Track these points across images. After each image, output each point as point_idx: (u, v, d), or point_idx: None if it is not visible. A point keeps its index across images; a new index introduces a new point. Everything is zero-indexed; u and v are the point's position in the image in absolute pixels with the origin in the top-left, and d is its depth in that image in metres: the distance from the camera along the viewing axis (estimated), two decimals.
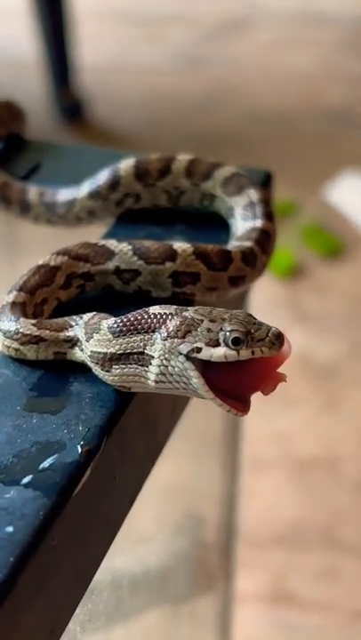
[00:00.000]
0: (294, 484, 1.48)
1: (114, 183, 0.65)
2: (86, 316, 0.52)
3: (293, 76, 2.83)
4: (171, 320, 0.48)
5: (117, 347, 0.49)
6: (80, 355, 0.52)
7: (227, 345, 0.47)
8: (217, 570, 0.93)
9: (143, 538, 0.76)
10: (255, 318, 0.49)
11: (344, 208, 2.16)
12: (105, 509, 0.49)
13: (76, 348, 0.52)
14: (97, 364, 0.50)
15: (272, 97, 2.71)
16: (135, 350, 0.49)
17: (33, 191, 0.68)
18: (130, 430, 0.51)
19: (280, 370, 0.49)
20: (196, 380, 0.47)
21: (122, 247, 0.57)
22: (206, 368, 0.47)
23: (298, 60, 2.94)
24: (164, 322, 0.49)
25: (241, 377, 0.48)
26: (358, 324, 1.83)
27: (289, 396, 1.62)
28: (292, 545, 1.38)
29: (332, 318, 1.84)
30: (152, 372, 0.48)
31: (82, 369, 0.52)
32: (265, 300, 1.78)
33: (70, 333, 0.52)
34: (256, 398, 0.49)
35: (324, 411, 1.62)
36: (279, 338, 0.47)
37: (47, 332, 0.52)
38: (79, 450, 0.46)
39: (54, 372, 0.52)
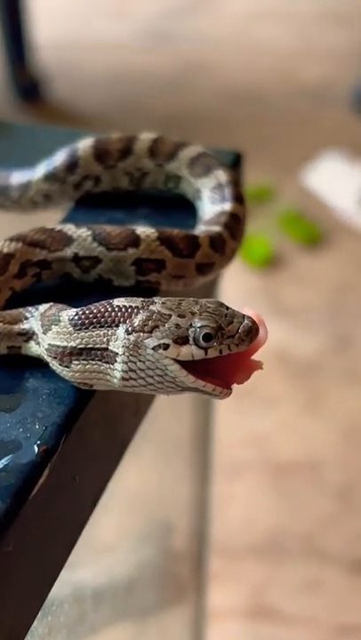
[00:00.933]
0: (273, 490, 1.49)
1: (72, 164, 0.65)
2: (42, 307, 0.52)
3: (268, 52, 2.84)
4: (136, 314, 0.48)
5: (78, 340, 0.49)
6: (36, 349, 0.52)
7: (196, 343, 0.47)
8: (187, 581, 0.93)
9: (107, 547, 0.76)
10: (227, 307, 0.49)
11: (323, 193, 2.17)
12: (65, 513, 0.49)
13: (32, 342, 0.52)
14: (55, 358, 0.50)
15: (245, 74, 2.71)
16: (98, 346, 0.49)
17: None
18: (90, 428, 0.51)
19: (255, 357, 0.49)
20: (171, 366, 0.47)
21: (81, 233, 0.57)
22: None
23: (273, 34, 2.95)
24: (130, 316, 0.48)
25: (213, 367, 0.48)
26: (340, 317, 1.83)
27: (267, 395, 1.62)
28: (270, 555, 1.39)
29: (313, 311, 1.85)
30: (118, 369, 0.48)
31: (38, 364, 0.52)
32: (239, 291, 1.79)
33: (25, 326, 0.52)
34: (231, 397, 0.49)
35: (305, 410, 1.63)
36: (250, 333, 0.48)
37: (1, 324, 0.52)
38: (36, 450, 0.46)
39: (8, 367, 0.52)
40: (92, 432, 0.51)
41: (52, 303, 0.52)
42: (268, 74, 2.71)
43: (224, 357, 0.48)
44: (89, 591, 0.65)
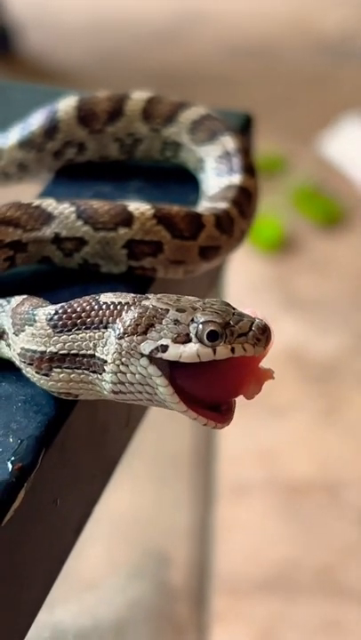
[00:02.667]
0: (284, 515, 1.49)
1: (50, 129, 0.64)
2: (14, 301, 0.52)
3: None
4: (127, 312, 0.48)
5: (59, 345, 0.49)
6: (6, 351, 0.51)
7: (200, 341, 0.46)
8: (187, 622, 0.93)
9: (92, 582, 0.76)
10: (234, 308, 0.48)
11: (343, 164, 2.16)
12: (43, 542, 0.49)
13: (2, 342, 0.52)
14: (30, 364, 0.49)
15: (253, 25, 2.71)
16: (83, 352, 0.48)
17: None
18: (73, 442, 0.50)
19: (263, 364, 0.49)
20: (163, 388, 0.47)
21: (62, 209, 0.57)
22: (175, 369, 0.47)
23: None
24: (119, 314, 0.48)
25: (218, 378, 0.48)
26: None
27: (277, 404, 1.62)
28: (282, 591, 1.39)
29: (332, 304, 1.84)
30: (107, 380, 0.48)
31: (12, 366, 0.51)
32: (246, 281, 1.78)
33: None
34: (236, 406, 0.49)
35: (322, 421, 1.63)
36: (265, 332, 0.47)
37: None
38: (9, 467, 0.45)
39: None
40: (75, 446, 0.51)
41: (25, 296, 0.52)
42: (278, 23, 2.71)
43: (232, 366, 0.48)
44: (71, 635, 0.65)
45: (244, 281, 1.76)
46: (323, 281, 1.90)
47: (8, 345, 0.51)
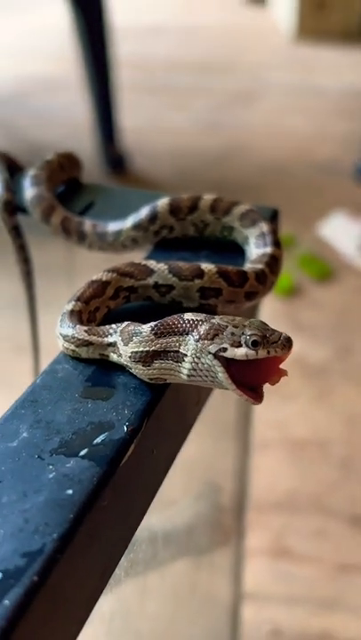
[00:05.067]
0: (291, 461, 1.47)
1: (153, 217, 0.64)
2: (122, 325, 0.51)
3: (291, 136, 2.83)
4: (202, 325, 0.47)
5: (158, 345, 0.48)
6: (116, 358, 0.51)
7: (247, 346, 0.46)
8: (231, 529, 0.92)
9: (172, 501, 0.75)
10: (268, 325, 0.48)
11: (333, 241, 2.15)
12: (145, 477, 0.48)
13: (114, 353, 0.51)
14: (139, 361, 0.48)
15: (274, 152, 2.70)
16: (172, 349, 0.48)
17: (87, 224, 0.67)
18: (164, 414, 0.50)
19: (283, 366, 0.48)
20: (221, 374, 0.46)
21: (160, 266, 0.57)
22: (229, 364, 0.46)
23: (295, 123, 2.94)
24: (196, 326, 0.48)
25: (255, 371, 0.47)
26: (343, 333, 1.82)
27: (287, 391, 1.61)
28: (288, 510, 1.37)
29: (322, 329, 1.83)
30: (185, 367, 0.47)
31: (123, 368, 0.51)
32: (269, 313, 1.77)
33: (111, 339, 0.51)
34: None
35: (316, 402, 1.61)
36: (289, 341, 0.47)
37: (94, 337, 0.51)
38: (125, 429, 0.45)
39: (104, 366, 0.51)
40: (165, 416, 0.50)
41: (128, 322, 0.51)
42: (291, 152, 2.70)
43: (264, 365, 0.47)
44: (160, 534, 0.64)
45: (268, 313, 1.75)
46: (317, 315, 1.88)
47: (116, 354, 0.50)
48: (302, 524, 1.35)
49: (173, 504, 0.75)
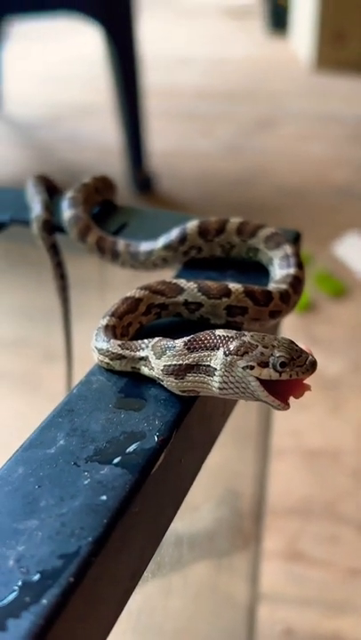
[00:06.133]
0: (305, 469, 1.46)
1: (182, 238, 0.64)
2: (153, 340, 0.51)
3: (310, 161, 2.83)
4: (232, 342, 0.47)
5: (191, 359, 0.48)
6: (147, 371, 0.50)
7: (273, 367, 0.46)
8: (250, 533, 0.92)
9: (196, 506, 0.75)
10: (297, 345, 0.47)
11: (347, 260, 2.14)
12: (173, 485, 0.48)
13: (145, 367, 0.50)
14: (171, 374, 0.48)
15: (293, 176, 2.70)
16: (203, 363, 0.48)
17: (121, 243, 0.68)
18: (192, 425, 0.50)
19: (307, 381, 0.48)
20: (254, 383, 0.46)
21: (189, 285, 0.56)
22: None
23: (313, 149, 2.93)
24: (227, 342, 0.47)
25: (281, 386, 0.47)
26: (356, 348, 1.80)
27: (302, 401, 1.58)
28: (302, 515, 1.36)
29: (337, 343, 1.82)
30: (216, 380, 0.47)
31: (154, 381, 0.51)
32: (287, 327, 1.76)
33: (142, 354, 0.50)
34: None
35: (330, 413, 1.60)
36: (314, 365, 0.46)
37: (127, 351, 0.51)
38: (156, 439, 0.45)
39: (137, 379, 0.51)
40: (193, 427, 0.50)
41: (159, 337, 0.51)
42: (309, 176, 2.70)
43: (291, 381, 0.47)
44: (185, 538, 0.64)
45: (286, 328, 1.75)
46: (332, 329, 1.87)
47: (148, 367, 0.50)
48: (315, 530, 1.33)
49: (196, 510, 0.74)
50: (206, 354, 0.48)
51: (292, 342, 0.48)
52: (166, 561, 0.57)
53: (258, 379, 0.46)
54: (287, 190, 2.58)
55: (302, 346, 0.48)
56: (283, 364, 0.46)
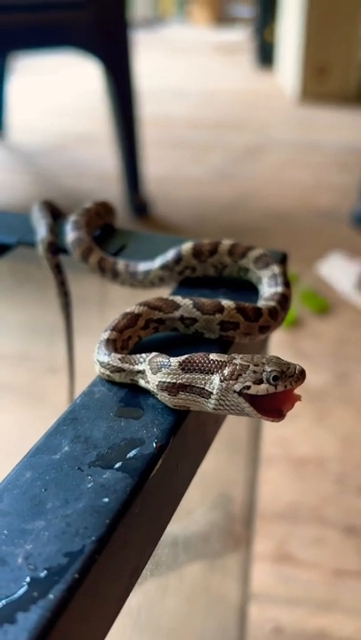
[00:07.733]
0: (293, 476, 1.46)
1: (178, 259, 0.65)
2: (150, 355, 0.51)
3: (295, 186, 2.85)
4: (226, 367, 0.47)
5: (185, 379, 0.48)
6: (143, 383, 0.51)
7: (268, 382, 0.46)
8: (241, 536, 0.92)
9: (190, 510, 0.75)
10: (282, 359, 0.48)
11: (331, 279, 2.15)
12: (170, 488, 0.49)
13: (142, 379, 0.51)
14: (165, 390, 0.48)
15: (280, 201, 2.72)
16: (198, 385, 0.48)
17: (121, 264, 0.68)
18: (188, 432, 0.50)
19: (296, 392, 0.49)
20: (248, 408, 0.47)
21: (185, 302, 0.57)
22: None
23: (298, 176, 2.96)
24: (221, 367, 0.47)
25: (273, 400, 0.48)
26: (340, 361, 1.81)
27: (290, 412, 1.59)
28: (290, 519, 1.36)
29: (322, 356, 1.82)
30: (211, 403, 0.47)
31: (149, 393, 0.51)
32: (275, 342, 1.77)
33: (140, 367, 0.51)
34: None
35: (315, 423, 1.60)
36: (303, 373, 0.47)
37: (126, 364, 0.51)
38: (154, 445, 0.45)
39: (136, 390, 0.51)
40: (188, 435, 0.51)
41: (156, 353, 0.51)
42: (294, 201, 2.72)
43: (280, 394, 0.47)
44: (180, 540, 0.64)
45: (274, 342, 1.75)
46: (316, 344, 1.88)
47: (144, 380, 0.50)
48: (302, 533, 1.33)
49: (191, 513, 0.74)
50: (200, 377, 0.48)
51: (279, 358, 0.48)
52: (163, 560, 0.57)
53: (253, 395, 0.46)
54: (275, 214, 2.60)
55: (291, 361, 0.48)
56: (275, 378, 0.46)
